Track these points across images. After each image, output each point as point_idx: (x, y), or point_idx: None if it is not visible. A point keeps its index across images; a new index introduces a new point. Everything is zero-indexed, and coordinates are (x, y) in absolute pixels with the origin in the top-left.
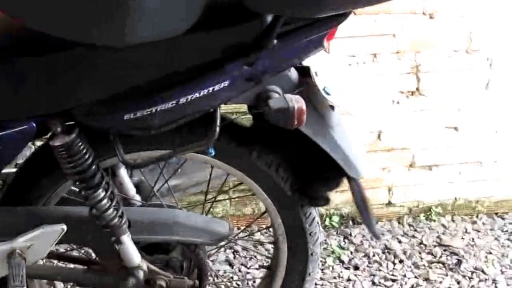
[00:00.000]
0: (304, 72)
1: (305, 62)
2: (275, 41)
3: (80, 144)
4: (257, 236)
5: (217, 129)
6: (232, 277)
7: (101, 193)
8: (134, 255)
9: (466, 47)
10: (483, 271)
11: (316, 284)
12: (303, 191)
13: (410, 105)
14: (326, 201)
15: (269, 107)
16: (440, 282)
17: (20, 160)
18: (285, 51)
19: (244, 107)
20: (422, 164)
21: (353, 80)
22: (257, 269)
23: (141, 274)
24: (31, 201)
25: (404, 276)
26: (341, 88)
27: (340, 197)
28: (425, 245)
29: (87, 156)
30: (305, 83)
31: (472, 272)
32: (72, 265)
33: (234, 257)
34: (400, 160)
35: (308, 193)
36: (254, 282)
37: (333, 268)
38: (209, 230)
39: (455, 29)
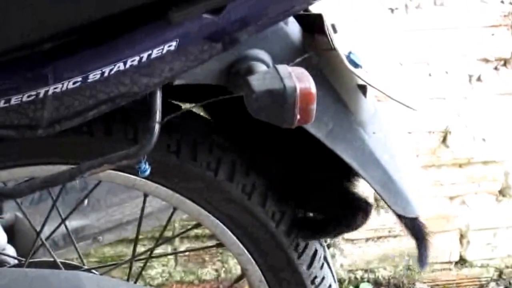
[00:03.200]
0: (313, 26)
1: (315, 8)
2: None
3: None
4: None
5: (157, 127)
6: None
7: None
8: None
9: None
10: None
11: None
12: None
13: (499, 84)
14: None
15: (251, 89)
16: None
17: None
18: None
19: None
20: None
21: (399, 39)
22: None
23: None
24: None
25: None
26: (379, 55)
27: (374, 249)
28: None
29: None
30: (315, 46)
31: None
32: None
33: None
34: (482, 182)
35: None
36: None
37: None
38: None
39: None
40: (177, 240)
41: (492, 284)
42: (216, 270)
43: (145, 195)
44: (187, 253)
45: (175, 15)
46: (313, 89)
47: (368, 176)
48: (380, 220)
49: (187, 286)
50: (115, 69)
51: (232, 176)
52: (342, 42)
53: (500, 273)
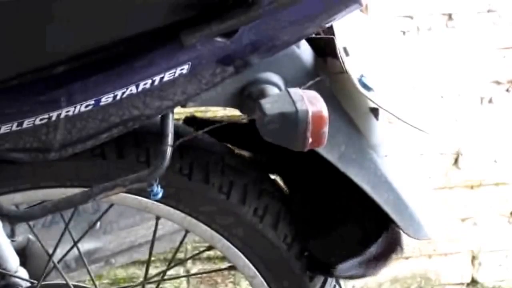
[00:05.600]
0: (325, 49)
1: (327, 31)
2: None
3: None
4: None
5: (169, 151)
6: None
7: None
8: None
9: None
10: None
11: None
12: (314, 256)
13: (511, 106)
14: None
15: (263, 112)
16: None
17: None
18: (289, 10)
19: (218, 113)
20: None
21: (411, 61)
22: None
23: None
24: None
25: None
26: (391, 78)
27: (386, 270)
28: None
29: None
30: (326, 69)
31: None
32: None
33: None
34: (494, 204)
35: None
36: None
37: None
38: None
39: None
40: (189, 262)
41: None
42: None
43: (157, 218)
44: (199, 275)
45: (187, 38)
46: (325, 112)
47: (380, 199)
48: None
49: None
50: (127, 92)
51: (244, 199)
52: (354, 65)
53: None
